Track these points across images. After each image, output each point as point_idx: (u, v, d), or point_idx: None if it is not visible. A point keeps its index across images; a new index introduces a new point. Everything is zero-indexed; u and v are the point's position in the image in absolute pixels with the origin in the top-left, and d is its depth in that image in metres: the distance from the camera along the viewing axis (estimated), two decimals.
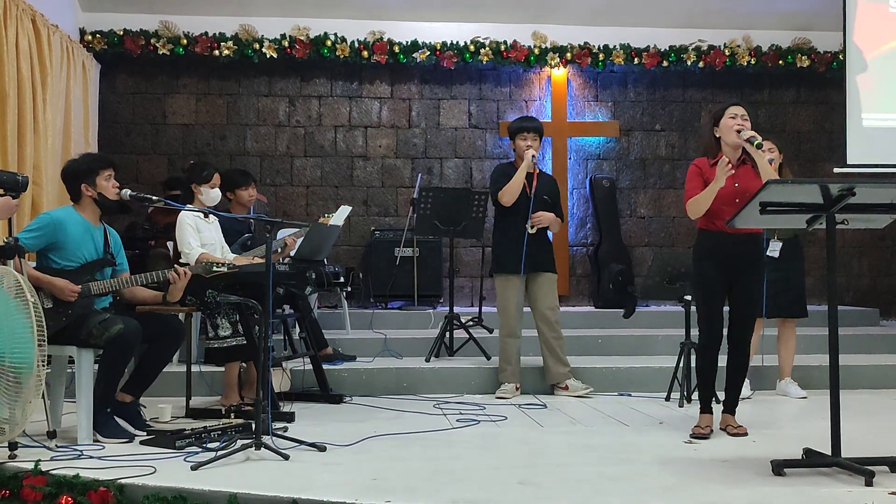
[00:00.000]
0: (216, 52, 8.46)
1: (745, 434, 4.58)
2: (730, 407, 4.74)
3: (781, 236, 5.79)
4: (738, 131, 4.50)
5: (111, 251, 4.71)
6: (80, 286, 4.42)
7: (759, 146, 4.42)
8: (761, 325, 5.75)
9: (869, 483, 3.49)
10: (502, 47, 8.74)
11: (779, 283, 5.70)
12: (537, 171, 6.05)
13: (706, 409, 4.67)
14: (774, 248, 5.73)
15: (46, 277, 4.36)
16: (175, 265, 4.74)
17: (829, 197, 3.76)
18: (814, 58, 9.02)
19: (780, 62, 9.02)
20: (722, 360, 4.72)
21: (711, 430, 4.60)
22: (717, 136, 4.63)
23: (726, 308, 4.66)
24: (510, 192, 5.85)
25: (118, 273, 4.75)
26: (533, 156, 5.86)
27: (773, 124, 9.16)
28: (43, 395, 4.03)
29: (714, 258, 4.59)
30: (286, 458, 3.94)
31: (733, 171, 4.46)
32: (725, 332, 4.69)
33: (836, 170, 8.37)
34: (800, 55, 9.00)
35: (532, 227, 5.86)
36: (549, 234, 6.10)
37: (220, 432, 4.35)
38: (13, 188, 4.23)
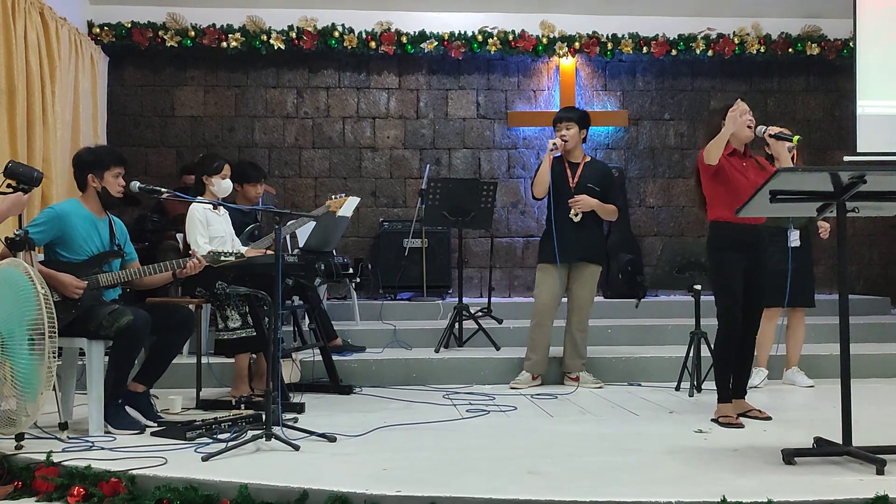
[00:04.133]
0: (224, 44, 8.46)
1: (769, 418, 4.67)
2: (741, 392, 4.82)
3: (796, 225, 5.77)
4: (750, 127, 4.63)
5: (118, 242, 4.72)
6: (85, 283, 4.42)
7: (800, 141, 4.56)
8: (778, 314, 5.76)
9: (880, 472, 3.48)
10: (510, 37, 8.72)
11: (792, 273, 5.69)
12: (587, 158, 6.00)
13: (727, 398, 4.67)
14: (795, 238, 5.70)
15: (52, 273, 4.35)
16: (191, 255, 4.74)
17: (840, 185, 3.74)
18: (824, 45, 8.97)
19: (790, 50, 8.97)
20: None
21: (740, 420, 4.62)
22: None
23: None
24: (538, 183, 5.84)
25: (127, 263, 4.77)
26: (553, 143, 5.83)
27: (783, 112, 9.12)
28: (54, 386, 4.05)
29: (732, 249, 4.63)
30: (296, 448, 3.95)
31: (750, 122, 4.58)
32: None
33: (846, 157, 8.34)
34: (809, 43, 8.95)
35: (576, 215, 5.81)
36: (604, 223, 6.00)
37: (230, 423, 4.37)
38: (27, 182, 4.24)
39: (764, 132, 4.63)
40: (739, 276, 4.62)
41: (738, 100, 4.73)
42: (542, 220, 6.34)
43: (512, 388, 5.84)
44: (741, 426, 4.52)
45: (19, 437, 3.94)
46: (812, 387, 5.82)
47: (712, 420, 4.63)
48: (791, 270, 5.61)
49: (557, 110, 8.67)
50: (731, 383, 4.72)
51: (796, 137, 4.52)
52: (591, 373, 6.01)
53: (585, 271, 5.92)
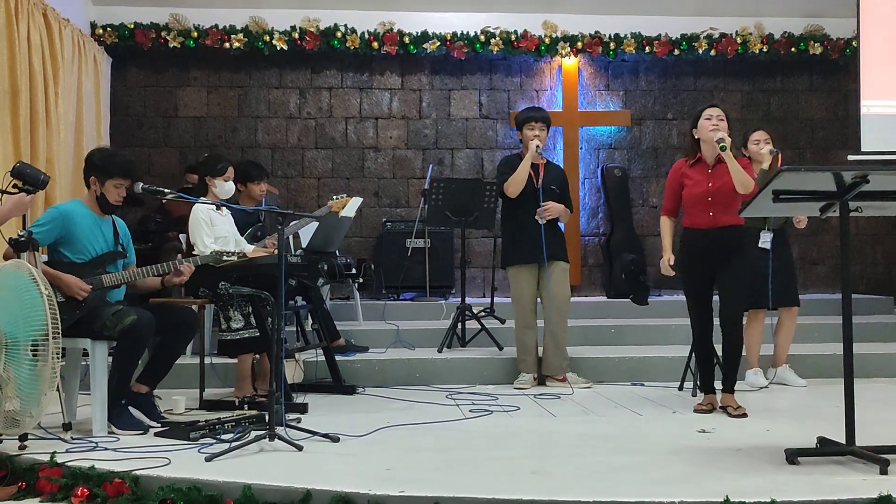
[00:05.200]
0: (227, 45, 8.46)
1: (745, 415, 4.77)
2: (728, 387, 4.97)
3: (772, 227, 5.75)
4: (713, 131, 4.80)
5: (122, 242, 4.73)
6: (90, 285, 4.43)
7: (724, 149, 4.71)
8: (763, 315, 5.76)
9: (884, 471, 3.48)
10: (513, 37, 8.72)
11: (774, 274, 5.68)
12: (544, 161, 6.03)
13: (707, 389, 5.05)
14: (766, 240, 5.70)
15: (57, 274, 4.37)
16: (182, 258, 4.71)
17: (843, 184, 3.73)
18: (826, 45, 8.96)
19: (793, 49, 8.96)
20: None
21: (713, 408, 4.98)
22: (696, 136, 4.93)
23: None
24: (515, 183, 5.83)
25: (126, 265, 4.76)
26: (538, 146, 5.83)
27: (786, 112, 9.12)
28: (58, 387, 4.06)
29: (695, 253, 4.90)
30: (300, 449, 3.95)
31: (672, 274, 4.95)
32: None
33: (850, 157, 8.33)
34: (812, 42, 8.94)
35: (542, 219, 5.84)
36: (561, 224, 6.09)
37: (233, 424, 4.38)
38: (33, 184, 4.25)
39: (713, 138, 4.75)
40: (699, 277, 4.91)
41: (708, 108, 4.90)
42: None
43: (517, 389, 5.84)
44: (709, 412, 4.90)
45: (23, 437, 3.96)
46: (805, 386, 5.82)
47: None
48: (774, 271, 5.61)
49: (560, 110, 8.78)
50: (712, 378, 5.05)
51: (721, 145, 4.69)
52: (575, 372, 5.99)
53: (557, 270, 5.92)
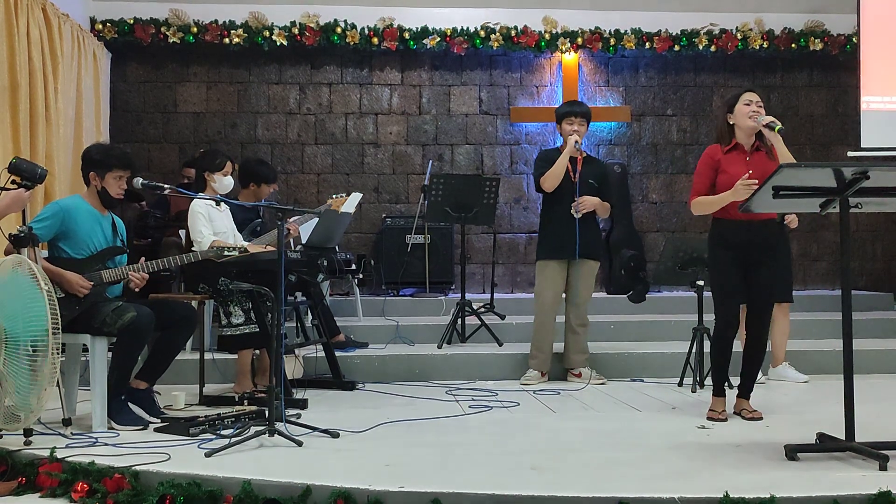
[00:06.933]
0: (226, 40, 8.46)
1: (760, 418, 4.60)
2: (745, 392, 4.75)
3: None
4: (752, 117, 4.50)
5: (121, 238, 4.72)
6: (91, 282, 4.42)
7: (781, 131, 4.41)
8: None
9: (883, 467, 3.48)
10: (513, 33, 8.71)
11: None
12: (583, 155, 5.95)
13: (719, 392, 4.70)
14: None
15: (58, 271, 4.36)
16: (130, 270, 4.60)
17: (843, 180, 3.73)
18: (827, 41, 8.94)
19: (793, 45, 8.95)
20: (738, 346, 4.73)
21: (726, 415, 4.65)
22: (731, 122, 4.63)
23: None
24: (552, 178, 5.78)
25: (119, 264, 4.75)
26: (576, 140, 5.79)
27: (786, 108, 9.11)
28: (58, 382, 4.06)
29: (729, 246, 4.58)
30: (299, 444, 3.95)
31: (755, 186, 4.28)
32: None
33: (850, 153, 8.33)
34: (813, 38, 8.93)
35: (577, 213, 5.78)
36: (599, 219, 6.03)
37: (233, 419, 4.38)
38: (30, 178, 4.24)
39: (761, 122, 4.48)
40: (735, 274, 4.58)
41: (745, 92, 4.62)
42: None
43: (522, 385, 5.83)
44: (724, 421, 4.57)
45: (27, 432, 3.96)
46: (806, 381, 5.82)
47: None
48: None
49: (559, 105, 8.75)
50: (728, 380, 4.75)
51: (777, 127, 4.40)
52: (594, 369, 6.00)
53: (585, 267, 5.90)
